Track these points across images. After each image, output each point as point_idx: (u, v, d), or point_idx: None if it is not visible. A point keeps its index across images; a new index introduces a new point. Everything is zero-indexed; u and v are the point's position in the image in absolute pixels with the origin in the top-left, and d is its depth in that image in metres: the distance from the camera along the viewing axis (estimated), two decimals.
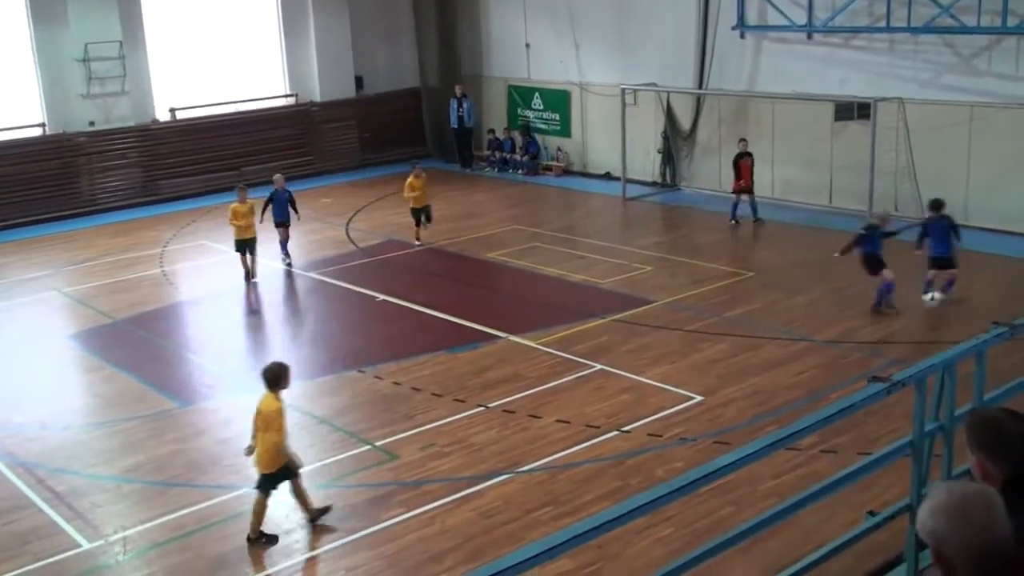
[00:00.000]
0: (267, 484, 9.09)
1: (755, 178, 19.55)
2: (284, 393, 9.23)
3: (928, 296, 14.08)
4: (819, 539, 7.71)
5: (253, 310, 16.40)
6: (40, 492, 10.17)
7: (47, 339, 14.95)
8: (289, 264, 17.96)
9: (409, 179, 18.99)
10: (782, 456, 9.56)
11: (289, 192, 18.08)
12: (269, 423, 8.96)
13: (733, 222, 19.43)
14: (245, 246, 17.00)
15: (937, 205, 14.36)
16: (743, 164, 19.29)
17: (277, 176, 18.49)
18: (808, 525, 8.20)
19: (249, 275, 17.07)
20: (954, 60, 18.28)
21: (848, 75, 19.59)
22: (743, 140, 19.61)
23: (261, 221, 17.52)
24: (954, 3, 17.40)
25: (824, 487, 5.83)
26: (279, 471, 9.08)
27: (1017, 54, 17.39)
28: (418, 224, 18.99)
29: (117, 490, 10.21)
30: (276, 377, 9.07)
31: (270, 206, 17.82)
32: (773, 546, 8.02)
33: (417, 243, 18.89)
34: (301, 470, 9.32)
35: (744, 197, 19.37)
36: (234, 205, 16.92)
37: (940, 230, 14.25)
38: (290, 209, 17.92)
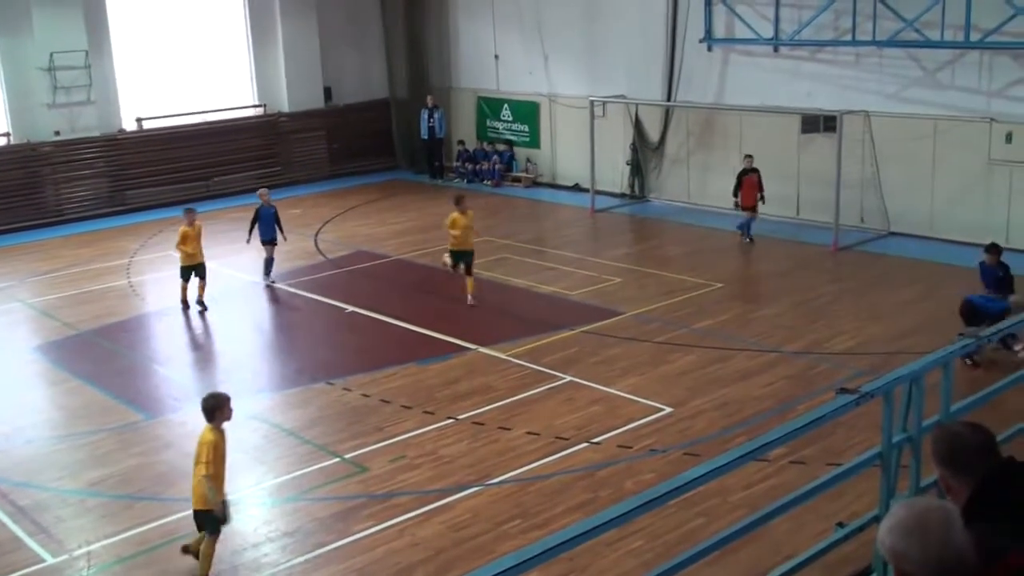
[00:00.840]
0: (209, 524, 8.45)
1: (723, 189, 19.66)
2: (239, 419, 8.87)
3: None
4: (789, 550, 7.75)
5: (221, 322, 16.25)
6: (3, 506, 10.02)
7: (10, 351, 14.75)
8: (272, 284, 17.37)
9: (453, 214, 15.81)
10: (752, 467, 9.60)
11: (275, 208, 17.41)
12: (197, 455, 8.35)
13: (747, 240, 18.90)
14: (192, 271, 16.06)
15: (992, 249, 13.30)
16: (747, 180, 18.72)
17: (262, 191, 17.72)
18: (778, 536, 8.23)
19: (187, 303, 16.11)
20: (919, 74, 18.50)
21: (814, 88, 19.77)
22: (748, 156, 19.04)
23: (248, 241, 17.19)
24: (918, 17, 17.62)
25: (793, 498, 5.86)
26: (207, 510, 8.41)
27: (980, 68, 17.63)
28: (455, 266, 16.01)
29: (81, 504, 10.08)
30: (210, 409, 8.47)
31: (256, 224, 17.16)
32: (743, 557, 8.04)
33: (470, 301, 15.80)
34: (224, 526, 8.56)
35: (747, 213, 18.81)
36: (183, 228, 15.92)
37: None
38: (276, 227, 17.25)
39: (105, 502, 10.09)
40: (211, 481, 8.28)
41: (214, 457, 8.29)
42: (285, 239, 17.57)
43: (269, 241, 17.24)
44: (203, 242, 16.23)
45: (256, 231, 17.21)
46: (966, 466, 3.72)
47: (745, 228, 18.99)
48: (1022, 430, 6.96)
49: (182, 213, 16.20)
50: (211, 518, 8.43)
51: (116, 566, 8.97)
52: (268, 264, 17.37)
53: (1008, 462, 3.91)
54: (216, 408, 8.44)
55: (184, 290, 16.11)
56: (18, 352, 14.70)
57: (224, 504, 8.46)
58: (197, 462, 8.34)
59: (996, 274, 13.06)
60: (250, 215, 17.44)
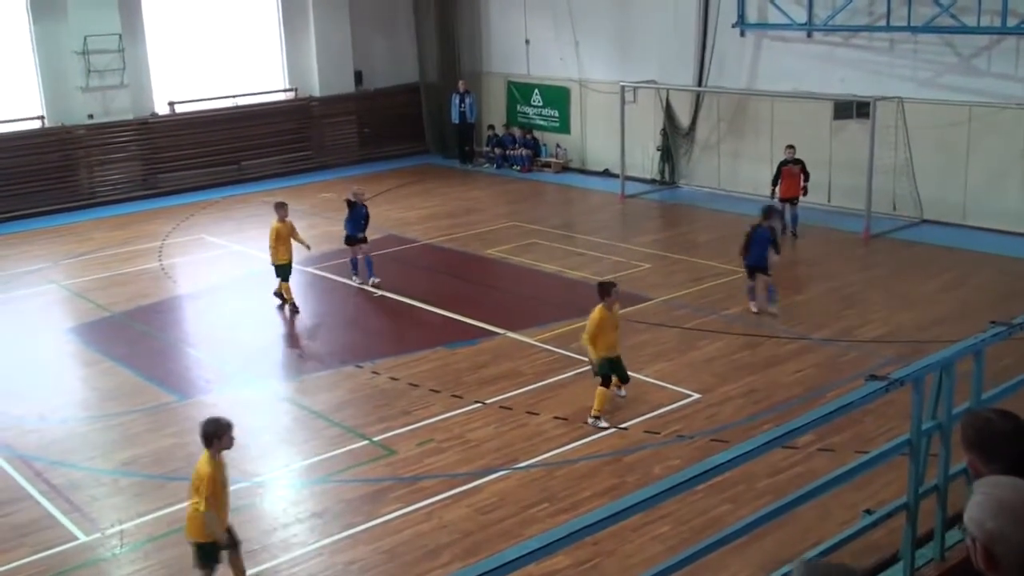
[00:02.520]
0: (203, 557, 7.89)
1: (754, 176, 19.51)
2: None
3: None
4: (815, 537, 7.74)
5: (252, 304, 16.37)
6: (38, 485, 10.18)
7: (45, 332, 14.94)
8: (367, 285, 16.21)
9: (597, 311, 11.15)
10: (779, 454, 9.57)
11: (367, 208, 16.49)
12: (195, 488, 7.72)
13: (790, 233, 18.14)
14: (285, 270, 15.28)
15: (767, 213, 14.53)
16: (786, 171, 18.08)
17: (358, 189, 16.85)
18: (804, 523, 8.22)
19: (295, 305, 15.32)
20: (954, 60, 18.29)
21: (848, 74, 19.60)
22: (790, 147, 18.18)
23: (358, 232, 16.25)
24: (954, 3, 17.41)
25: (821, 485, 5.85)
26: (209, 543, 7.83)
27: (1017, 54, 17.40)
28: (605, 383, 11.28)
29: (114, 483, 10.22)
30: (210, 435, 7.75)
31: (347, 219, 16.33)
32: (769, 544, 8.03)
33: (603, 425, 11.08)
34: (238, 544, 8.12)
35: (787, 205, 18.20)
36: (275, 225, 15.12)
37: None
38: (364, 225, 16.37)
39: (138, 481, 10.22)
40: (212, 515, 7.67)
41: (213, 490, 7.65)
42: (309, 248, 15.87)
43: (359, 239, 16.26)
44: (224, 227, 16.19)
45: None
46: (997, 452, 3.72)
47: (788, 221, 18.23)
48: None
49: (274, 208, 15.33)
50: (207, 551, 7.86)
51: (148, 544, 9.09)
52: (355, 264, 16.44)
53: None
54: (216, 435, 7.72)
55: (287, 290, 15.29)
56: (53, 333, 14.89)
57: (228, 532, 7.94)
58: (195, 494, 7.71)
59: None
60: (277, 199, 17.01)
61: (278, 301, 15.49)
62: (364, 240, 16.26)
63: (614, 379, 11.24)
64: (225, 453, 7.91)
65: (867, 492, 8.42)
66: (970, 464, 3.80)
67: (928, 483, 6.21)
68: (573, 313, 14.52)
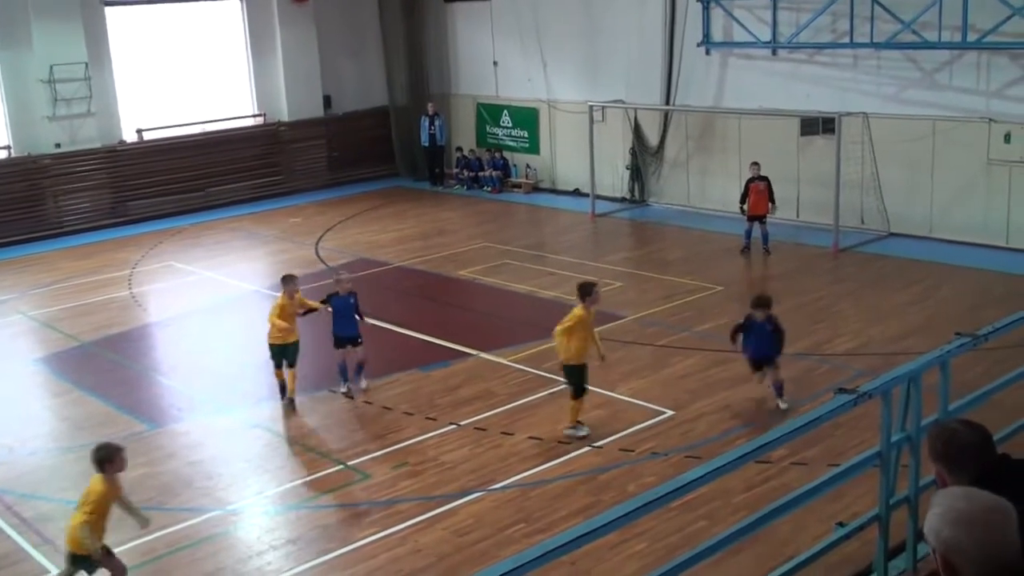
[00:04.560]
0: (73, 564, 8.29)
1: (723, 192, 19.65)
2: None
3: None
4: (790, 551, 7.76)
5: (222, 331, 16.28)
6: (7, 518, 10.05)
7: (12, 363, 14.79)
8: (348, 391, 12.87)
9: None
10: (753, 469, 9.62)
11: (355, 296, 12.94)
12: (82, 502, 8.13)
13: (763, 250, 18.21)
14: (283, 353, 12.48)
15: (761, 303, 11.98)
16: (753, 188, 18.03)
17: (341, 276, 13.28)
18: (779, 537, 8.25)
19: (284, 389, 12.55)
20: (917, 75, 18.53)
21: (813, 90, 19.81)
22: (755, 164, 18.14)
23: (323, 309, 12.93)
24: (916, 19, 17.65)
25: (794, 499, 5.87)
26: (83, 555, 8.19)
27: (978, 68, 17.66)
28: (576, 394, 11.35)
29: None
30: (101, 460, 8.13)
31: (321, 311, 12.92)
32: (745, 559, 8.05)
33: (582, 434, 11.22)
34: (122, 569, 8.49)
35: (757, 223, 18.18)
36: (281, 300, 12.48)
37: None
38: (356, 320, 12.84)
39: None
40: (89, 529, 8.03)
41: (99, 508, 8.09)
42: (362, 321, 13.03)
43: (349, 339, 12.78)
44: (193, 253, 15.20)
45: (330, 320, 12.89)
46: (962, 462, 3.75)
47: (748, 236, 18.40)
48: (1020, 428, 6.98)
49: (280, 283, 12.80)
50: (80, 561, 8.27)
51: None
52: (344, 371, 12.82)
53: (1003, 458, 3.95)
54: (107, 460, 8.12)
55: (280, 377, 12.55)
56: (21, 364, 14.73)
57: (100, 551, 8.19)
58: (80, 508, 8.10)
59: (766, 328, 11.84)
60: (251, 226, 16.77)
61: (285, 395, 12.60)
62: (357, 342, 12.78)
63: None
64: (201, 480, 7.88)
65: (840, 504, 8.46)
66: (937, 475, 3.84)
67: (899, 494, 6.25)
68: (545, 333, 14.46)
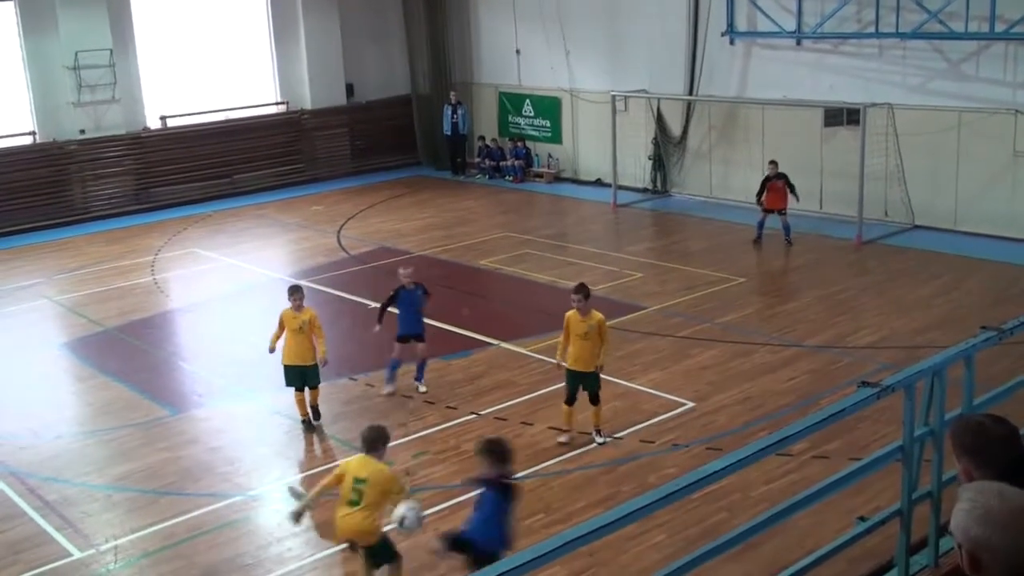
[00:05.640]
0: (382, 554, 8.12)
1: (746, 183, 19.54)
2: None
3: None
4: (811, 544, 7.72)
5: (245, 317, 16.35)
6: (31, 501, 10.14)
7: (38, 348, 14.90)
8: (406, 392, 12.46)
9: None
10: (773, 462, 9.58)
11: (422, 289, 12.50)
12: (384, 491, 7.90)
13: (784, 241, 18.20)
14: (300, 376, 11.59)
15: None
16: (772, 186, 18.02)
17: (406, 270, 12.56)
18: (800, 530, 8.22)
19: (306, 416, 11.66)
20: (942, 66, 18.37)
21: (837, 81, 19.67)
22: (773, 162, 18.29)
23: (379, 324, 12.34)
24: (942, 9, 17.49)
25: (815, 492, 5.84)
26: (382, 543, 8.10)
27: (1005, 59, 17.48)
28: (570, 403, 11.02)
29: (108, 499, 10.19)
30: (377, 440, 8.06)
31: (388, 308, 12.40)
32: (765, 552, 8.03)
33: (599, 441, 10.96)
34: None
35: (773, 215, 18.14)
36: (287, 312, 11.57)
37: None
38: (421, 316, 12.47)
39: (131, 497, 10.19)
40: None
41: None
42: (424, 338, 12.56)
43: (413, 335, 12.43)
44: (216, 240, 15.20)
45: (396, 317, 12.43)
46: (991, 456, 3.71)
47: (760, 227, 18.40)
48: None
49: (288, 295, 11.68)
50: (386, 548, 8.08)
51: (142, 560, 9.06)
52: (395, 368, 12.40)
53: None
54: (380, 439, 8.04)
55: (300, 403, 11.69)
56: (45, 349, 14.85)
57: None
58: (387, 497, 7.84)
59: None
60: (273, 213, 16.98)
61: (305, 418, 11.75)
62: (421, 337, 12.48)
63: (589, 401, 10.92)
64: (222, 466, 7.90)
65: (862, 499, 8.42)
66: (963, 470, 3.79)
67: (922, 489, 6.21)
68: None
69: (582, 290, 10.73)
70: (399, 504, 7.71)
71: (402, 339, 12.34)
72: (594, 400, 10.88)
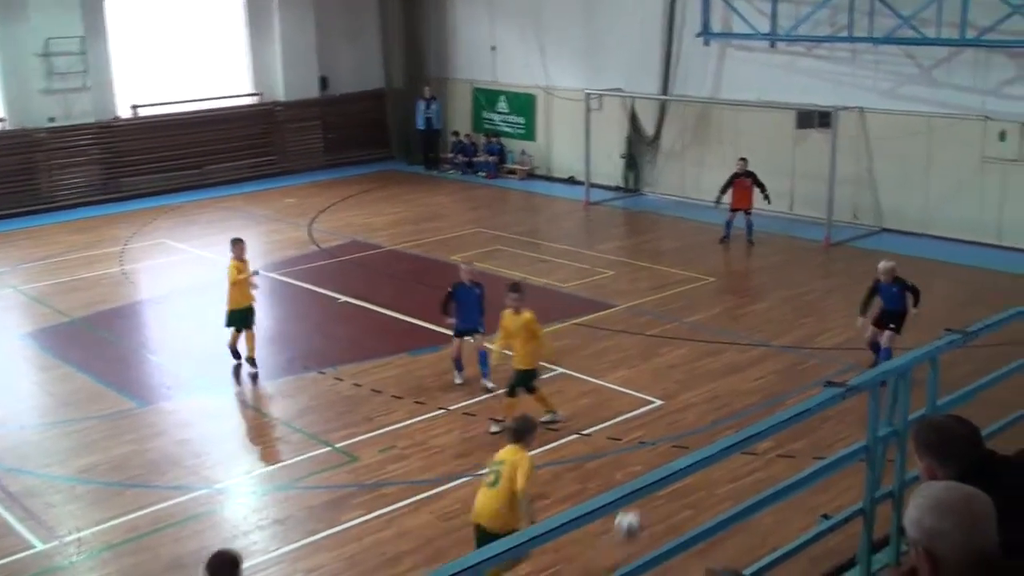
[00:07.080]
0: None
1: (718, 183, 19.61)
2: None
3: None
4: (775, 542, 7.76)
5: (213, 310, 16.22)
6: None
7: (1, 337, 14.74)
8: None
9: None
10: (739, 460, 9.64)
11: (481, 288, 12.51)
12: (513, 477, 7.93)
13: (747, 240, 18.40)
14: (242, 318, 13.03)
15: None
16: (738, 183, 18.15)
17: (466, 267, 12.69)
18: (764, 529, 8.27)
19: (237, 352, 13.13)
20: (914, 71, 18.53)
21: (810, 84, 19.79)
22: (742, 159, 18.41)
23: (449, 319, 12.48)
24: (915, 14, 17.63)
25: (780, 491, 5.87)
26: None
27: (975, 66, 17.67)
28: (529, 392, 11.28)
29: (72, 491, 10.09)
30: (525, 431, 8.18)
31: (448, 305, 12.47)
32: (729, 549, 8.07)
33: (559, 418, 11.39)
34: None
35: (741, 214, 18.31)
36: (234, 262, 12.97)
37: None
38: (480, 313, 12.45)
39: (95, 489, 10.10)
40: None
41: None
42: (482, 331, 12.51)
43: (468, 331, 12.47)
44: (186, 232, 15.53)
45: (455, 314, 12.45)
46: (953, 455, 3.74)
47: (728, 227, 18.50)
48: (1008, 424, 7.00)
49: (230, 245, 13.21)
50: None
51: (106, 552, 8.99)
52: (459, 361, 12.51)
53: (990, 454, 3.96)
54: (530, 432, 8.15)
55: (235, 339, 13.15)
56: (9, 338, 14.69)
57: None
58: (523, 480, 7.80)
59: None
60: (244, 206, 17.01)
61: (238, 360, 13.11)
62: (476, 332, 12.47)
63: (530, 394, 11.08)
64: (189, 459, 7.86)
65: (826, 497, 8.48)
66: (925, 468, 3.82)
67: (884, 489, 6.27)
68: (537, 320, 14.52)
69: (517, 288, 11.17)
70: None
71: (460, 334, 12.43)
72: (530, 392, 11.10)
